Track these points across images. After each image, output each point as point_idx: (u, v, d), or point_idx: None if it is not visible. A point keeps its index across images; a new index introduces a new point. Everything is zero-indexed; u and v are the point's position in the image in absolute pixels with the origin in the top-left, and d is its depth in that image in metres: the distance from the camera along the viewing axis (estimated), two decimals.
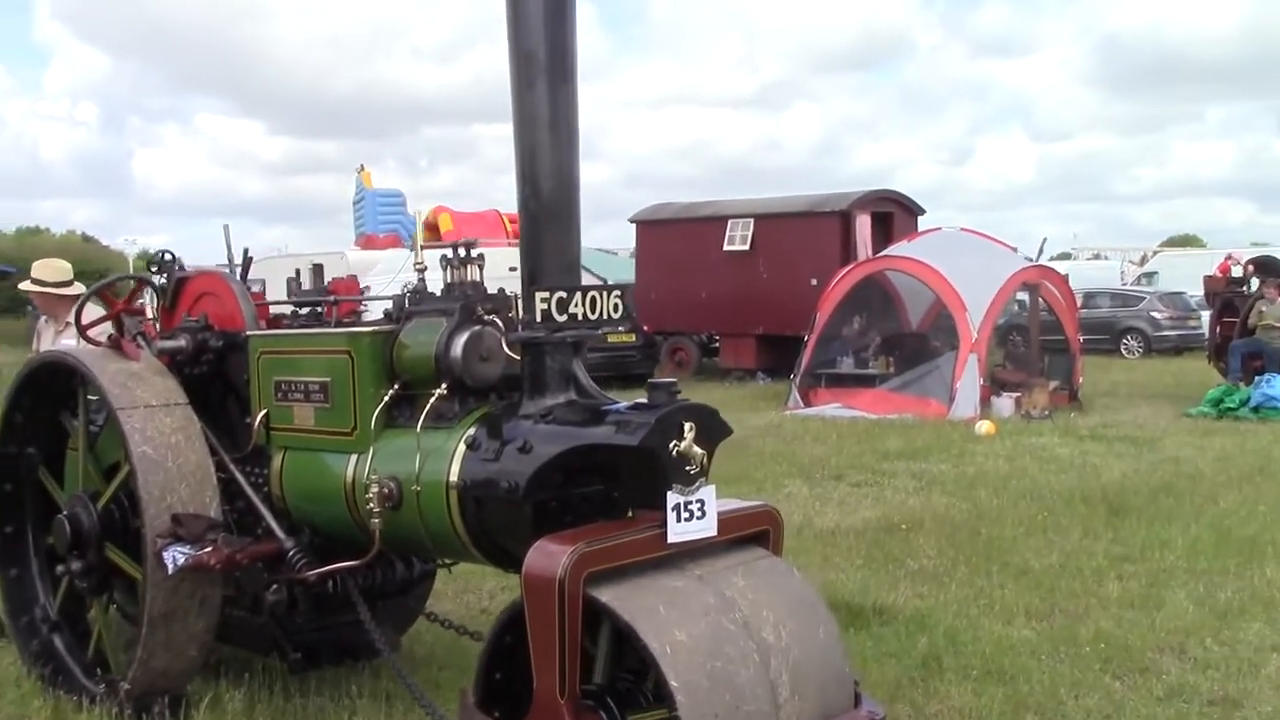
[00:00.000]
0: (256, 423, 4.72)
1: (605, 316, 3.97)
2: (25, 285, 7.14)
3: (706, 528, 3.72)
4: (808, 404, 16.58)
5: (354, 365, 4.37)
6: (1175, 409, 16.09)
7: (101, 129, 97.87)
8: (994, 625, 6.05)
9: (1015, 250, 18.58)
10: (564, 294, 3.83)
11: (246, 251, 5.58)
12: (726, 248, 21.33)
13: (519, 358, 4.05)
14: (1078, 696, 5.08)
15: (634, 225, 23.42)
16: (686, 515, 3.65)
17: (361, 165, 37.57)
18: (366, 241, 30.60)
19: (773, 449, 12.44)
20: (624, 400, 3.92)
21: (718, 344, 22.76)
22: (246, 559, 4.51)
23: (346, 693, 4.99)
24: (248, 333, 4.86)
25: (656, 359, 22.39)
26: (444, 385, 4.17)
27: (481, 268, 4.42)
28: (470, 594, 6.74)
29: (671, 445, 3.59)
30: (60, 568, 5.14)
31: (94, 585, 5.03)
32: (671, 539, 3.62)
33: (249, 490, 4.77)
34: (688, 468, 3.64)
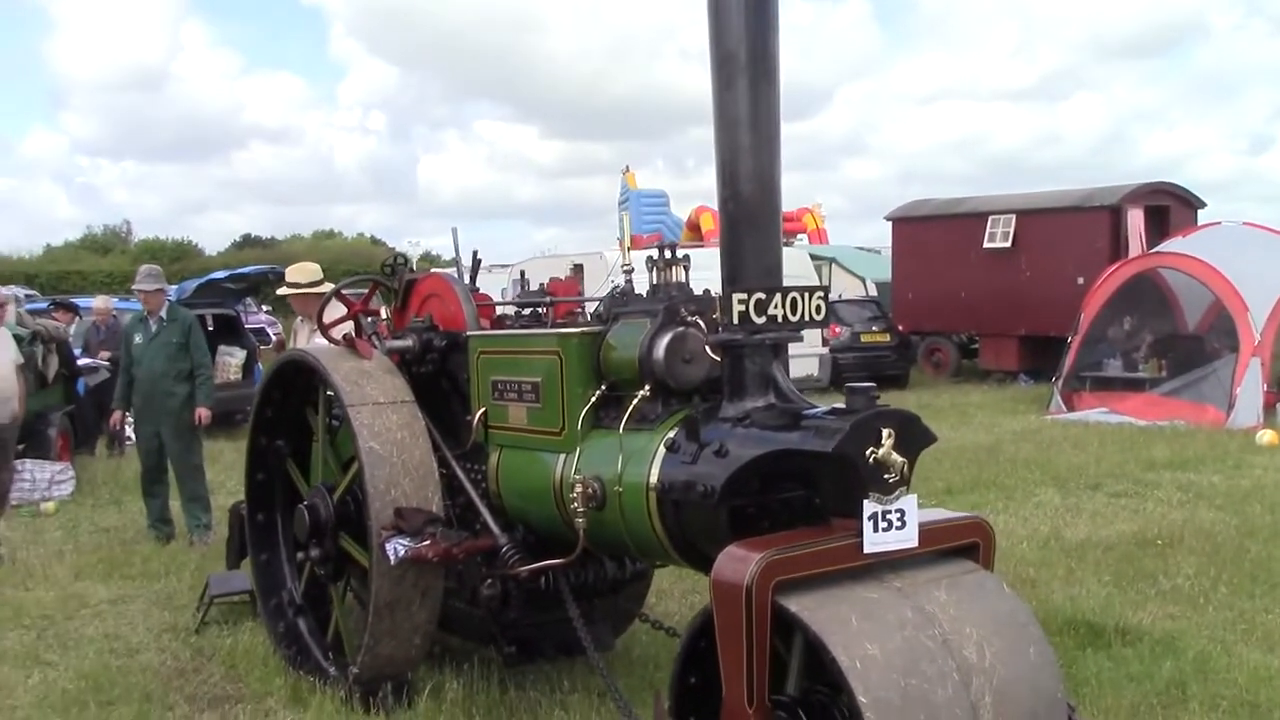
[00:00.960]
0: (475, 420, 4.87)
1: (807, 318, 3.88)
2: (282, 290, 7.64)
3: (906, 538, 3.57)
4: (1071, 408, 15.78)
5: (563, 366, 4.44)
6: None
7: (390, 137, 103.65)
8: (1252, 653, 5.57)
9: None
10: (762, 295, 3.77)
11: (476, 254, 5.77)
12: (987, 245, 20.55)
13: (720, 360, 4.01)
14: None
15: (890, 223, 22.91)
16: (885, 525, 3.52)
17: (627, 167, 38.53)
18: (633, 241, 31.23)
19: (1027, 455, 11.89)
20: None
21: (977, 345, 21.98)
22: (462, 553, 4.66)
23: (559, 687, 5.08)
24: (468, 333, 5.02)
25: (913, 360, 21.84)
26: (647, 387, 4.18)
27: (687, 269, 4.41)
28: (696, 594, 6.73)
29: (869, 452, 3.47)
30: (301, 555, 5.46)
31: (331, 572, 5.33)
32: (867, 549, 3.49)
33: (468, 486, 4.92)
34: (886, 475, 3.51)
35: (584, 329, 4.51)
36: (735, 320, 3.76)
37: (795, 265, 17.73)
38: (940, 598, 3.55)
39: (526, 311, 5.33)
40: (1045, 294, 19.35)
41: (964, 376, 21.66)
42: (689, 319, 4.21)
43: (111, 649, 6.00)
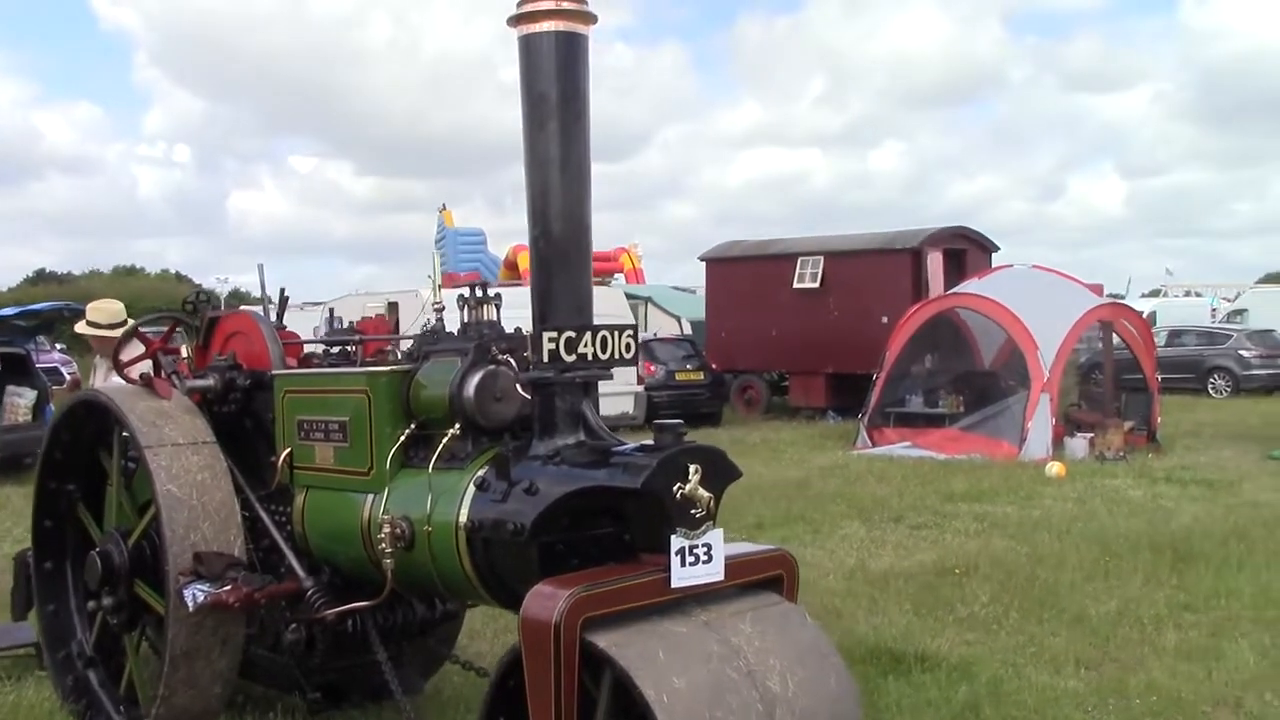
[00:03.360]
0: (280, 461, 4.75)
1: (617, 356, 3.93)
2: (80, 328, 7.30)
3: (713, 572, 3.63)
4: (875, 443, 16.36)
5: (371, 405, 4.37)
6: (1261, 451, 15.53)
7: (197, 170, 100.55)
8: (1040, 674, 5.86)
9: (1101, 287, 18.28)
10: (572, 334, 3.80)
11: (283, 291, 5.64)
12: (796, 285, 21.21)
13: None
14: None
15: (704, 264, 23.37)
16: (692, 559, 3.58)
17: (443, 204, 38.22)
18: (447, 279, 31.04)
19: (834, 489, 12.26)
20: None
21: (788, 383, 22.57)
22: (265, 598, 4.52)
23: None
24: (273, 372, 4.90)
25: (725, 398, 22.27)
26: (457, 425, 4.15)
27: (499, 307, 4.41)
28: (509, 634, 6.66)
29: (676, 488, 3.53)
30: (93, 604, 5.20)
31: (124, 621, 5.08)
32: (675, 583, 3.54)
33: (272, 528, 4.79)
34: (693, 511, 3.57)
35: (393, 367, 4.45)
36: (545, 358, 3.78)
37: (610, 304, 17.90)
38: (745, 630, 3.63)
39: (335, 350, 5.23)
40: (852, 333, 20.06)
41: (775, 414, 22.20)
42: (500, 357, 4.21)
43: None
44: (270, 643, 4.83)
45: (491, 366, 4.18)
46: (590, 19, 3.94)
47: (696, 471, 3.57)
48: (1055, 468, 13.42)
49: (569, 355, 3.80)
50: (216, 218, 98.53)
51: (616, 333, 3.92)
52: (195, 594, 4.44)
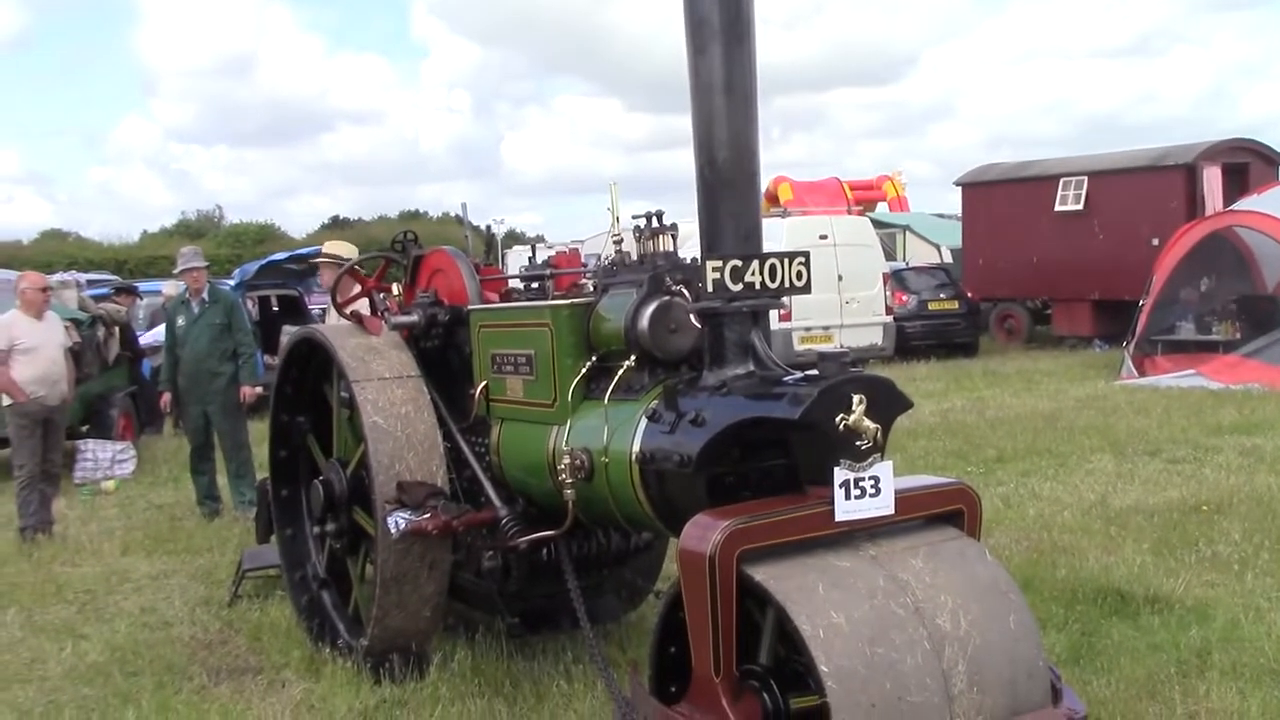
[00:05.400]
0: (477, 394, 4.89)
1: (788, 285, 3.83)
2: (320, 257, 7.70)
3: (881, 506, 3.51)
4: (1142, 373, 15.40)
5: (554, 338, 4.43)
6: None
7: (474, 115, 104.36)
8: None
9: None
10: (738, 263, 3.72)
11: (489, 228, 5.81)
12: (1058, 208, 20.11)
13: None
14: None
15: (959, 189, 22.49)
16: (858, 492, 3.47)
17: None
18: None
19: (1087, 422, 11.63)
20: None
21: (1050, 310, 21.54)
22: (462, 525, 4.69)
23: (564, 659, 5.10)
24: (469, 307, 5.04)
25: (982, 327, 21.48)
26: (633, 357, 4.17)
27: (675, 238, 4.37)
28: None
29: (839, 419, 3.42)
30: (318, 529, 5.54)
31: (346, 546, 5.39)
32: (839, 517, 3.44)
33: (471, 459, 4.95)
34: (858, 442, 3.45)
35: (574, 300, 4.50)
36: (711, 288, 3.72)
37: (857, 233, 17.45)
38: (916, 565, 3.49)
39: (536, 286, 5.32)
40: (1119, 257, 18.91)
41: (1037, 343, 21.26)
42: (674, 288, 4.18)
43: (145, 622, 6.17)
44: (474, 569, 5.01)
45: (666, 298, 4.17)
46: None
47: (861, 402, 3.44)
48: None
49: (735, 284, 3.72)
50: (492, 161, 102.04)
51: (786, 260, 3.82)
52: (398, 521, 4.66)
